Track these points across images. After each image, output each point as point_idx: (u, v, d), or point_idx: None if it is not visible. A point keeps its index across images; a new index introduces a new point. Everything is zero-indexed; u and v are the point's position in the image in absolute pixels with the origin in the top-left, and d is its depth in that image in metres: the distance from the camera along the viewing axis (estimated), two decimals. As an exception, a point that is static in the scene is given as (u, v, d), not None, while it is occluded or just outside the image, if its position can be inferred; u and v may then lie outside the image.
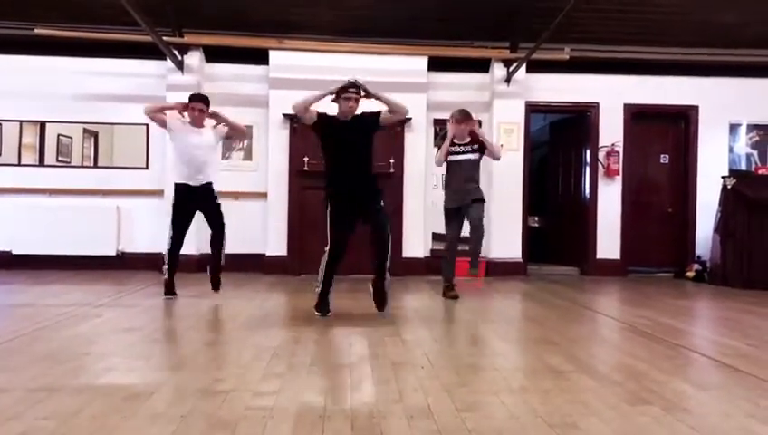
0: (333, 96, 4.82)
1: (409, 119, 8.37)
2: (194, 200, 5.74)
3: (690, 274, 8.60)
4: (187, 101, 5.83)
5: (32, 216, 8.16)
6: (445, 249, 6.41)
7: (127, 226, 8.42)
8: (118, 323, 4.56)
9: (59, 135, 8.49)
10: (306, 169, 8.13)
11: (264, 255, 8.24)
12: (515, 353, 3.86)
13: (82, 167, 8.47)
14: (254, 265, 8.13)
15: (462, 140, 6.12)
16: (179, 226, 5.72)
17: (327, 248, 4.82)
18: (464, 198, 6.02)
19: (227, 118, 5.92)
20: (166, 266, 5.77)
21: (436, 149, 6.18)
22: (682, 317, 5.43)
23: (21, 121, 8.41)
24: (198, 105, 5.76)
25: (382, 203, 4.92)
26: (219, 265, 5.92)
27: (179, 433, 2.31)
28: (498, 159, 6.52)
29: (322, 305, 4.89)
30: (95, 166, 8.49)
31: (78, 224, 8.17)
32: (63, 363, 3.28)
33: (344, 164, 4.82)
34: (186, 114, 5.81)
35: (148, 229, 8.34)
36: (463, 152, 6.12)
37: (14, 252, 8.20)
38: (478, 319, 5.13)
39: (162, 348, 3.82)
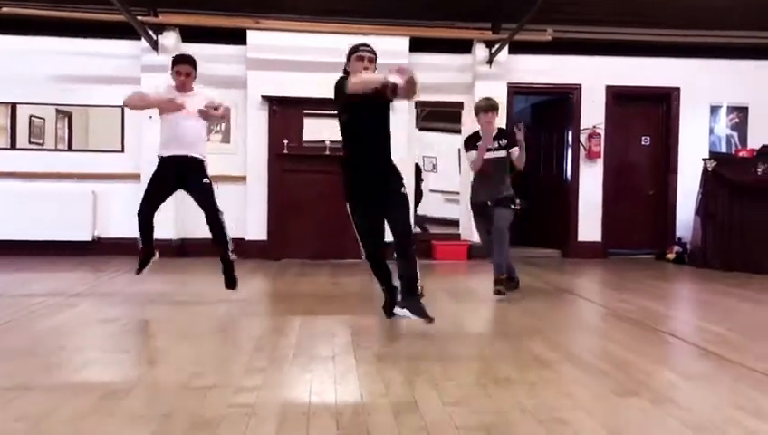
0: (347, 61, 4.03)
1: (390, 100, 8.26)
2: (178, 175, 4.95)
3: (671, 256, 8.64)
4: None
5: (4, 201, 7.94)
6: (487, 247, 5.46)
7: (103, 210, 8.22)
8: (94, 313, 4.46)
9: (31, 116, 8.26)
10: (286, 151, 8.02)
11: (243, 239, 8.12)
12: (500, 342, 3.81)
13: (56, 150, 8.26)
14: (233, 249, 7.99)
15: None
16: (152, 198, 4.97)
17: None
18: (491, 195, 5.22)
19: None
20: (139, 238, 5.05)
21: (472, 153, 5.28)
22: (664, 301, 5.45)
23: (-9, 103, 8.18)
24: (185, 68, 4.95)
25: (403, 190, 4.05)
26: (228, 259, 5.01)
27: (160, 434, 2.23)
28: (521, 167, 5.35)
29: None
30: (69, 149, 8.28)
31: (52, 209, 7.95)
32: (38, 359, 3.18)
33: (362, 145, 4.00)
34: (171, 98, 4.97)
35: (124, 214, 8.11)
36: (491, 149, 5.23)
37: (-15, 237, 8.00)
38: (460, 305, 5.09)
39: (140, 340, 3.72)
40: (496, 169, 5.25)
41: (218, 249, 5.01)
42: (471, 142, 5.35)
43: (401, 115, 8.36)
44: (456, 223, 8.90)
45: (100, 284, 5.81)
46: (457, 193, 8.86)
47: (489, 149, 5.19)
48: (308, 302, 4.93)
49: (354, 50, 4.03)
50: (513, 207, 5.26)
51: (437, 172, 9.61)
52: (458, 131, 8.69)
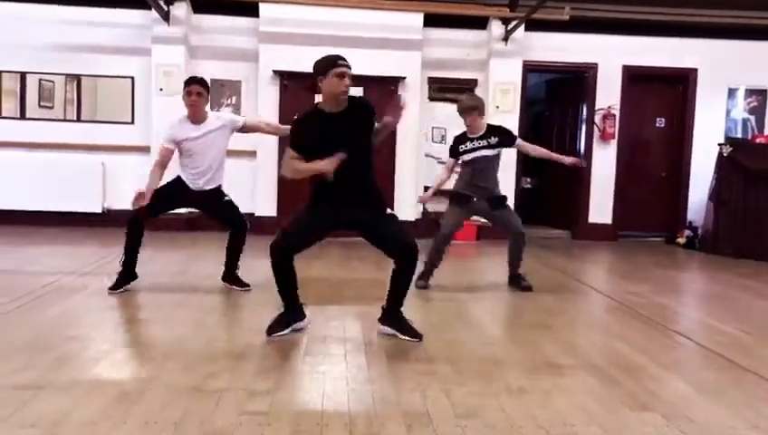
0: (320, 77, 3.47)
1: (404, 78, 8.17)
2: (188, 200, 4.81)
3: (681, 240, 8.59)
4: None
5: (14, 171, 7.93)
6: (437, 241, 5.15)
7: (112, 182, 8.20)
8: (103, 296, 4.45)
9: (40, 80, 8.18)
10: (297, 127, 7.92)
11: (252, 214, 8.10)
12: (511, 341, 3.79)
13: (65, 120, 8.19)
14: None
15: (475, 132, 5.04)
16: (156, 203, 4.53)
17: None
18: (484, 194, 5.04)
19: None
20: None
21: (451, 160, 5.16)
22: (676, 295, 5.43)
23: (0, 72, 8.08)
24: (196, 88, 4.52)
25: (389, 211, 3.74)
26: (236, 265, 4.90)
27: (172, 445, 2.24)
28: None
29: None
30: (78, 120, 8.22)
31: (63, 180, 7.97)
32: (49, 351, 3.17)
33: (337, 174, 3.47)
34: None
35: (134, 186, 8.10)
36: (475, 149, 5.01)
37: (-3, 207, 8.01)
38: (470, 296, 5.04)
39: (150, 331, 3.71)
40: (486, 167, 5.03)
41: (231, 254, 4.85)
42: (456, 148, 5.10)
43: (413, 92, 8.25)
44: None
45: (109, 261, 5.80)
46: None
47: (476, 148, 4.99)
48: (318, 289, 4.90)
49: (332, 64, 3.44)
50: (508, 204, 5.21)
51: (446, 144, 9.46)
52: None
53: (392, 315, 3.70)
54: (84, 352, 3.22)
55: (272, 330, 3.59)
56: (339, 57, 3.49)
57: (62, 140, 8.10)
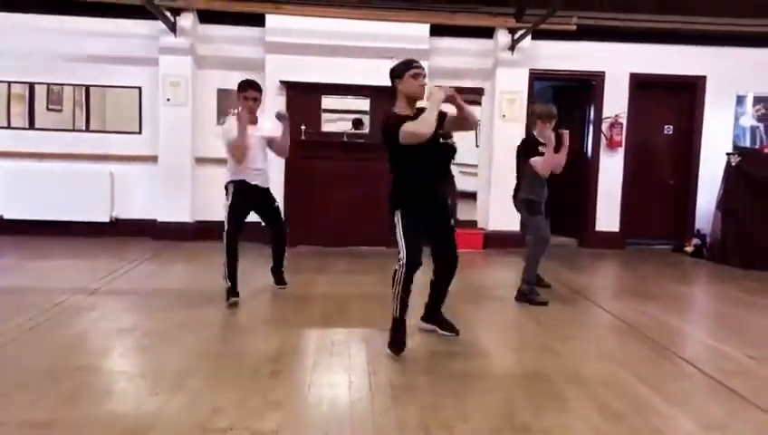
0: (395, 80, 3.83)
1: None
2: (252, 200, 5.19)
3: (689, 248, 8.56)
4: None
5: (23, 180, 8.00)
6: (538, 247, 5.51)
7: (121, 192, 8.26)
8: (112, 318, 4.49)
9: (49, 87, 8.20)
10: (303, 138, 7.93)
11: (260, 223, 8.09)
12: (514, 367, 3.80)
13: (74, 130, 8.23)
14: (249, 234, 7.98)
15: (542, 138, 5.44)
16: (236, 220, 5.08)
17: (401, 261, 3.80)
18: (545, 195, 5.65)
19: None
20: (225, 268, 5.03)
21: (537, 159, 5.35)
22: (684, 314, 5.42)
23: (9, 83, 8.12)
24: (252, 93, 4.99)
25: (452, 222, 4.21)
26: (282, 266, 5.57)
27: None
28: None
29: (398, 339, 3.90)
30: (87, 130, 8.25)
31: (71, 189, 8.03)
32: (60, 383, 3.20)
33: (425, 172, 3.92)
34: (234, 112, 5.18)
35: (142, 195, 8.25)
36: (542, 154, 5.37)
37: (5, 217, 8.06)
38: (473, 313, 5.04)
39: (158, 359, 3.71)
40: None
41: (276, 255, 5.53)
42: (530, 149, 5.47)
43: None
44: (472, 196, 8.86)
45: (117, 277, 5.85)
46: (475, 166, 8.80)
47: (542, 153, 5.34)
48: (325, 308, 4.94)
49: (407, 66, 3.78)
50: None
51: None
52: (477, 102, 8.56)
53: (433, 314, 4.30)
54: (93, 384, 3.25)
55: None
56: (413, 60, 3.85)
57: (70, 149, 8.14)
